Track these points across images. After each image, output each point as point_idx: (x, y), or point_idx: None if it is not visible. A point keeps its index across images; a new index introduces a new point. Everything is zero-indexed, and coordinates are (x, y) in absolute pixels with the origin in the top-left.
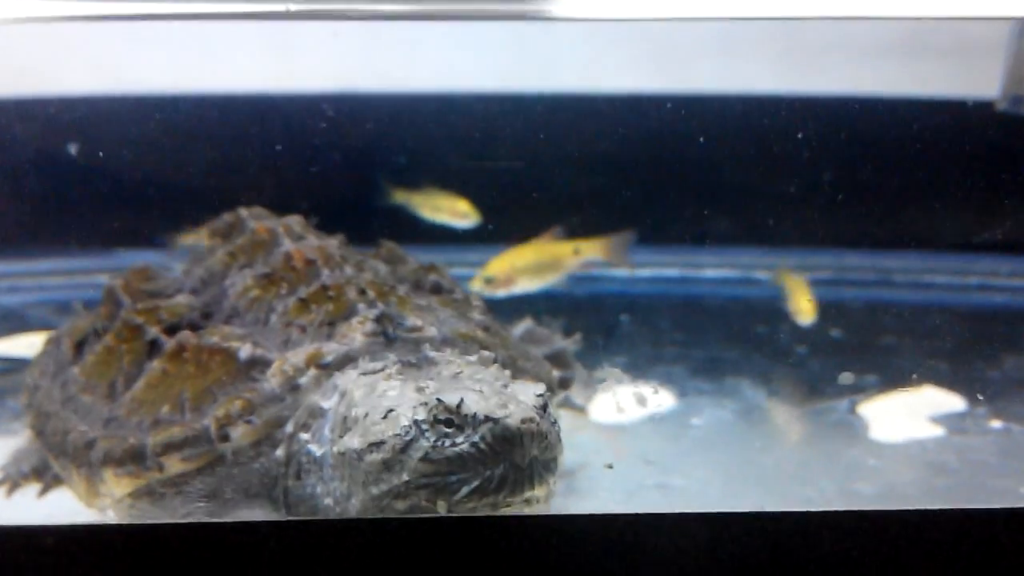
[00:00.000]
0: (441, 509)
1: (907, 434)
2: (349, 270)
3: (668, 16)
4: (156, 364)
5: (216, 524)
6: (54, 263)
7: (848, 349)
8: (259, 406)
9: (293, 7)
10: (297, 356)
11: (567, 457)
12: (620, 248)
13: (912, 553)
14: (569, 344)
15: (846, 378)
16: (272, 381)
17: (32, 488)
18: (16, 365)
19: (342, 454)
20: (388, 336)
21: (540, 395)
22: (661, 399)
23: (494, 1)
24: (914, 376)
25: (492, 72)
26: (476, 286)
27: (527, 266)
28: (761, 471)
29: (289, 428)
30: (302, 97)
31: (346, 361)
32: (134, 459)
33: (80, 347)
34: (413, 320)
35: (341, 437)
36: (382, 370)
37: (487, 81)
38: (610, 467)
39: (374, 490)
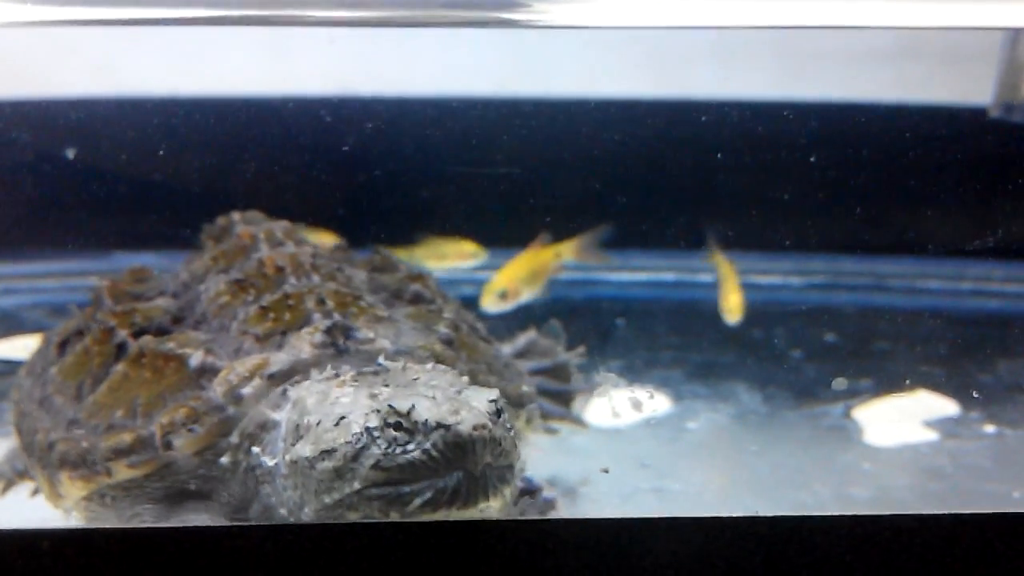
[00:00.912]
0: (395, 520)
1: (901, 438)
2: (316, 278)
3: (662, 24)
4: (119, 367)
5: (213, 528)
6: (50, 265)
7: (843, 353)
8: (203, 414)
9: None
10: (243, 365)
11: (567, 466)
12: (590, 245)
13: (905, 558)
14: (572, 357)
15: (839, 384)
16: (217, 390)
17: (26, 486)
18: (11, 367)
19: (294, 462)
20: (338, 347)
21: (493, 400)
22: (657, 403)
23: (488, 9)
24: (908, 381)
25: (487, 76)
26: (488, 301)
27: (527, 276)
28: (756, 475)
29: (234, 438)
30: (299, 99)
31: (292, 372)
32: (86, 463)
33: (63, 347)
34: (365, 332)
35: (293, 445)
36: (336, 377)
37: (481, 85)
38: (606, 471)
39: (327, 499)
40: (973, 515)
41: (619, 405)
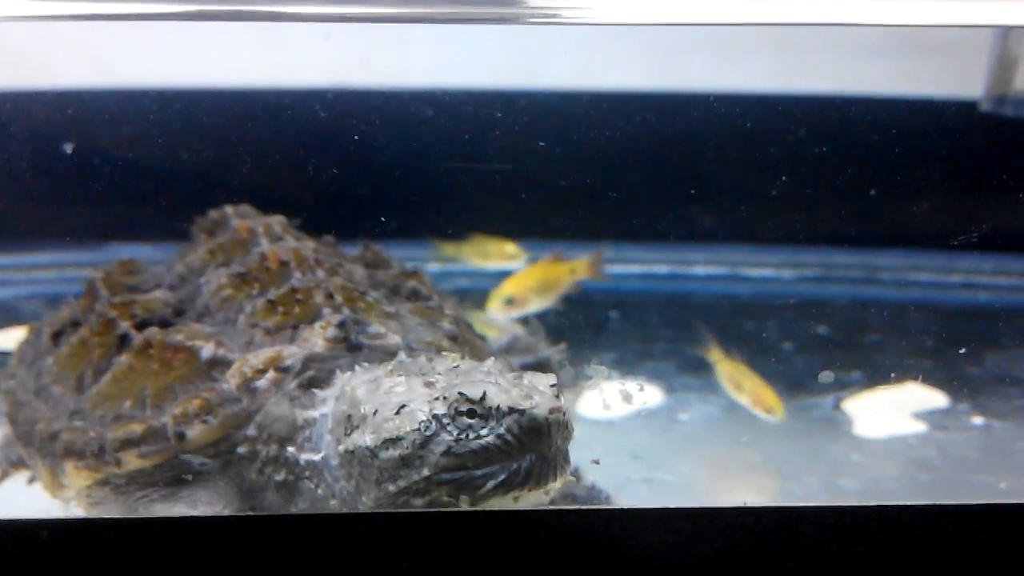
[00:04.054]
0: (464, 504)
1: (890, 430)
2: (321, 273)
3: (659, 21)
4: (123, 359)
5: (214, 519)
6: (47, 256)
7: (834, 346)
8: (216, 406)
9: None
10: (257, 358)
11: None
12: (598, 264)
13: (892, 548)
14: (555, 353)
15: (825, 376)
16: (231, 382)
17: (21, 476)
18: (7, 359)
19: (351, 452)
20: (350, 342)
21: (554, 385)
22: (648, 395)
23: (484, 4)
24: (896, 373)
25: (481, 69)
26: (494, 307)
27: (537, 287)
28: (747, 466)
29: (251, 431)
30: (293, 92)
31: (306, 365)
32: (93, 453)
33: (57, 337)
34: (377, 327)
35: (348, 435)
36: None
37: (476, 78)
38: (596, 462)
39: (391, 487)
40: (959, 506)
41: (610, 397)
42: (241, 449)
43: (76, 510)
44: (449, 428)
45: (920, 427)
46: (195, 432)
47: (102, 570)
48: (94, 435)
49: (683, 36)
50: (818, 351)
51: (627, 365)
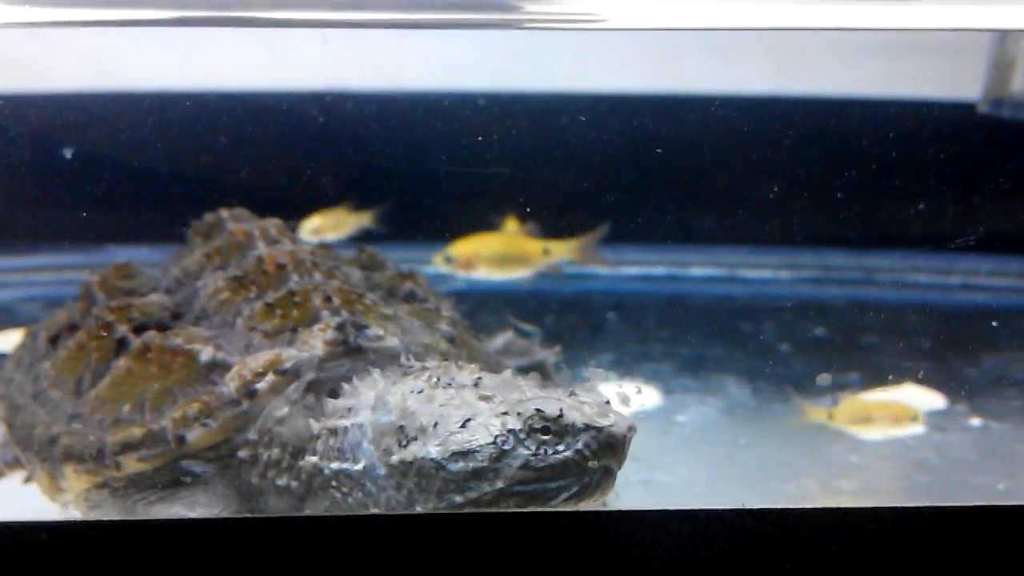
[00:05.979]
0: None
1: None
2: (318, 276)
3: (657, 26)
4: (122, 362)
5: (213, 521)
6: (44, 259)
7: (831, 347)
8: (216, 409)
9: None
10: (256, 361)
11: None
12: (591, 248)
13: (890, 549)
14: (550, 356)
15: (823, 379)
16: (230, 385)
17: (17, 476)
18: (3, 362)
19: (408, 463)
20: (349, 344)
21: (607, 401)
22: (646, 397)
23: (482, 10)
24: (892, 375)
25: (478, 71)
26: (436, 261)
27: (491, 255)
28: (745, 468)
29: (252, 435)
30: (291, 95)
31: (306, 368)
32: (93, 456)
33: (54, 341)
34: (375, 329)
35: (404, 447)
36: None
37: (473, 80)
38: None
39: (458, 498)
40: (957, 508)
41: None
42: (242, 453)
43: (74, 513)
44: (527, 443)
45: (918, 428)
46: (195, 435)
47: (101, 572)
48: (93, 439)
49: (680, 39)
50: (816, 353)
51: (625, 367)
